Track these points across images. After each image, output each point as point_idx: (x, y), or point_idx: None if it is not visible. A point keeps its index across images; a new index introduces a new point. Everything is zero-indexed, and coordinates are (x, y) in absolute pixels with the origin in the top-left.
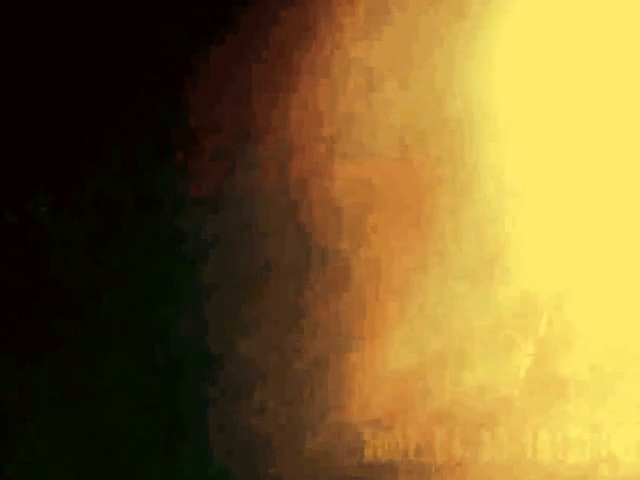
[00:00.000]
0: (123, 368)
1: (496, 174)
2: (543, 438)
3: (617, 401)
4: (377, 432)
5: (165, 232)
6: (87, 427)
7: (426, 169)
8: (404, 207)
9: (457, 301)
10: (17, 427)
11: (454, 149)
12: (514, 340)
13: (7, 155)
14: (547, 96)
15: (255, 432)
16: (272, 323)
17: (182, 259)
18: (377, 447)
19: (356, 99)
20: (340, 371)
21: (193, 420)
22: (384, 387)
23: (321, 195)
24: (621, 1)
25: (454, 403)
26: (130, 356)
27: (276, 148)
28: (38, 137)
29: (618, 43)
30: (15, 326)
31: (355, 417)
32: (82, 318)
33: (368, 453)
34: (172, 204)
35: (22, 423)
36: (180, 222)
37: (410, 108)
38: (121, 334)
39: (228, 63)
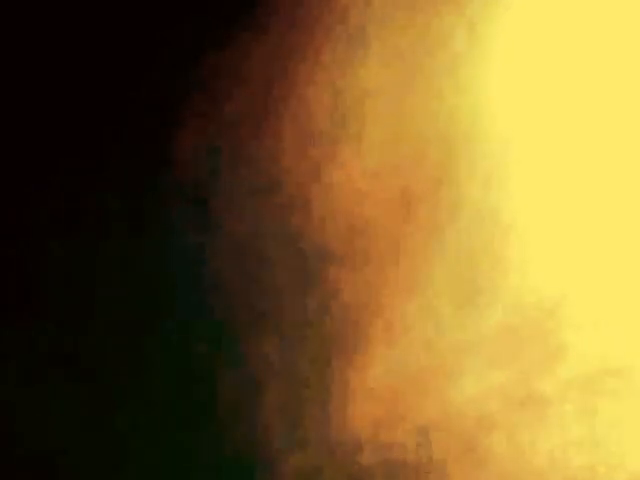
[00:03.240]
0: (120, 376)
1: (488, 192)
2: (529, 452)
3: (603, 419)
4: (363, 447)
5: (158, 236)
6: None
7: (418, 186)
8: (394, 226)
9: (444, 318)
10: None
11: (447, 167)
12: (499, 357)
13: (5, 156)
14: (546, 112)
15: (246, 446)
16: (261, 337)
17: (179, 263)
18: (362, 462)
19: (350, 110)
20: (325, 389)
21: (190, 427)
22: (369, 403)
23: (308, 216)
24: (622, 1)
25: (439, 419)
26: (128, 363)
27: (269, 163)
28: (35, 141)
29: (623, 45)
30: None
31: (340, 433)
32: (77, 326)
33: (353, 468)
34: (166, 208)
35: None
36: (173, 227)
37: (403, 122)
38: (118, 342)
39: (227, 71)
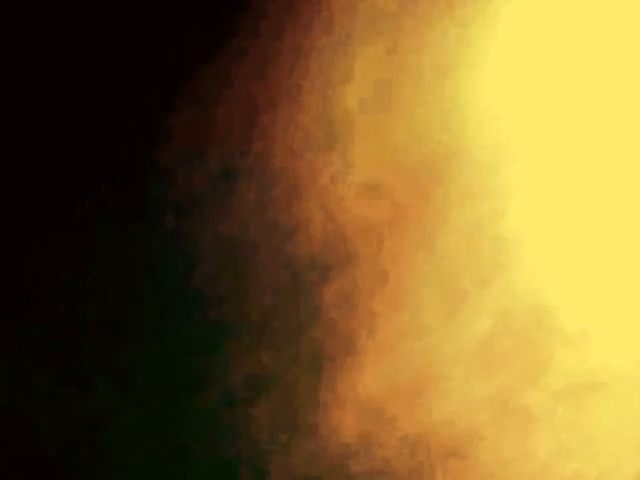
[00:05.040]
0: (111, 380)
1: (476, 202)
2: (516, 461)
3: (586, 430)
4: (351, 455)
5: (149, 242)
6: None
7: (406, 198)
8: (383, 237)
9: (433, 328)
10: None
11: (435, 177)
12: (487, 368)
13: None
14: (538, 119)
15: (236, 453)
16: (252, 344)
17: (169, 269)
18: (351, 470)
19: (338, 120)
20: (315, 397)
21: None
22: (357, 412)
23: (298, 225)
24: (623, 6)
25: (427, 428)
26: (119, 368)
27: (258, 172)
28: (25, 145)
29: (618, 47)
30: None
31: (329, 441)
32: (67, 329)
33: (342, 476)
34: (156, 214)
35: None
36: (165, 234)
37: (391, 132)
38: (109, 346)
39: (217, 83)
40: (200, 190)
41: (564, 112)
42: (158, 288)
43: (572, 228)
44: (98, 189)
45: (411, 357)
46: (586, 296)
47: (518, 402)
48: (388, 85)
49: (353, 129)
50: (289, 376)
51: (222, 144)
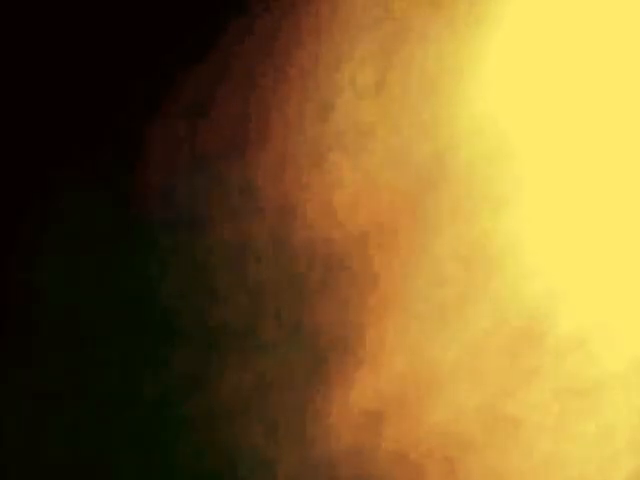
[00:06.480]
0: (109, 389)
1: (463, 218)
2: (506, 472)
3: (572, 437)
4: (341, 467)
5: (150, 247)
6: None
7: (395, 212)
8: (371, 249)
9: (421, 341)
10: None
11: (426, 189)
12: (475, 377)
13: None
14: (530, 128)
15: (226, 461)
16: (241, 356)
17: (164, 276)
18: None
19: (329, 135)
20: (305, 409)
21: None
22: (347, 424)
23: (287, 240)
24: (620, 5)
25: (416, 440)
26: (110, 379)
27: (246, 189)
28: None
29: (620, 47)
30: None
31: (319, 452)
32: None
33: None
34: (142, 230)
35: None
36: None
37: (381, 148)
38: (101, 358)
39: (206, 92)
40: (189, 200)
41: (562, 116)
42: (151, 293)
43: (567, 235)
44: (82, 202)
45: (402, 366)
46: (576, 303)
47: (510, 410)
48: (379, 93)
49: (344, 137)
50: (279, 385)
51: (212, 154)
